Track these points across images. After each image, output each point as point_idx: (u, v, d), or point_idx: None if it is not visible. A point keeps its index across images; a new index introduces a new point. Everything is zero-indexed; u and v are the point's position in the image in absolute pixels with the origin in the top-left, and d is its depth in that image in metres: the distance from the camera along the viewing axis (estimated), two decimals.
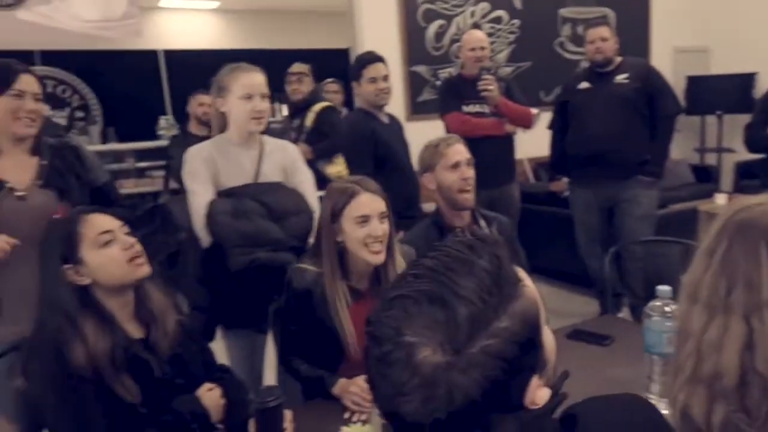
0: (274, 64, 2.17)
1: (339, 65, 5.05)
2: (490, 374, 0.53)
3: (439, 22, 4.80)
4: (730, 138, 6.64)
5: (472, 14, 4.92)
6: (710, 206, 5.03)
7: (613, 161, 3.24)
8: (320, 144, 3.37)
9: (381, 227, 1.66)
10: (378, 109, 2.90)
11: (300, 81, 3.57)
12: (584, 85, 3.37)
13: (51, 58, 5.12)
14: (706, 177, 6.40)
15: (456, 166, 2.01)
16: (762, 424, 0.75)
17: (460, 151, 2.04)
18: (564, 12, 5.96)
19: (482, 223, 2.09)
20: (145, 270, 1.45)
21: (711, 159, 6.72)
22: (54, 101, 5.28)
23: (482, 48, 3.37)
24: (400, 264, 1.75)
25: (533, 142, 4.03)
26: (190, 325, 1.64)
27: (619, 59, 3.31)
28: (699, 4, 6.81)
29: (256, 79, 2.08)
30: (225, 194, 2.06)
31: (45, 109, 1.90)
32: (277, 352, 1.90)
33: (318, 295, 1.69)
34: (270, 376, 2.30)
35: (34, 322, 1.41)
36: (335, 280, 1.67)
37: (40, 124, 1.87)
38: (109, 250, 1.40)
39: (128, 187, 5.29)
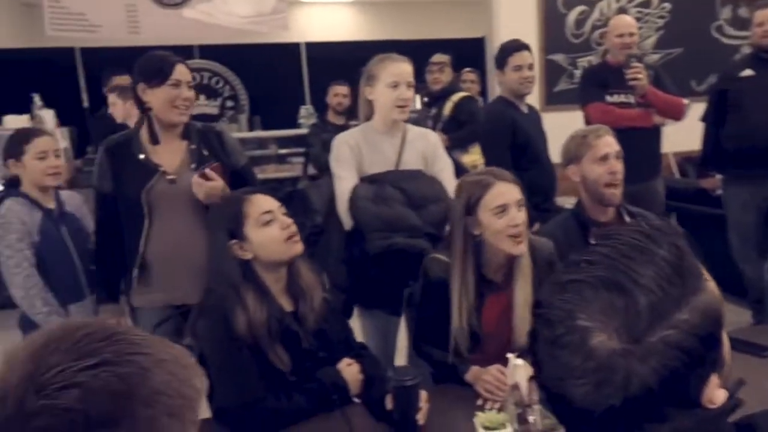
0: (409, 54, 2.21)
1: (473, 55, 5.02)
2: (669, 364, 0.52)
3: (581, 8, 4.59)
4: None
5: None
6: None
7: None
8: (457, 133, 3.38)
9: (519, 215, 1.64)
10: (519, 98, 2.85)
11: (441, 70, 3.61)
12: (747, 72, 3.06)
13: (207, 51, 5.58)
14: None
15: (605, 158, 1.93)
16: None
17: (609, 143, 1.96)
18: None
19: (627, 219, 2.00)
20: (300, 248, 1.57)
21: None
22: (208, 92, 5.76)
23: (631, 34, 3.18)
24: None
25: (679, 135, 3.74)
26: (333, 303, 1.74)
27: None
28: None
29: (403, 68, 2.14)
30: (368, 180, 2.15)
31: (194, 97, 2.05)
32: (409, 337, 1.95)
33: (452, 285, 1.71)
34: (400, 358, 2.37)
35: (203, 290, 1.58)
36: (465, 274, 1.68)
37: (191, 111, 2.04)
38: (269, 229, 1.52)
39: (269, 172, 5.64)
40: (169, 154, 2.02)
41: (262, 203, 1.55)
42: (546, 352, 0.58)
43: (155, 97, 1.95)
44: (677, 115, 3.18)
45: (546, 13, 4.50)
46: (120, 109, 3.90)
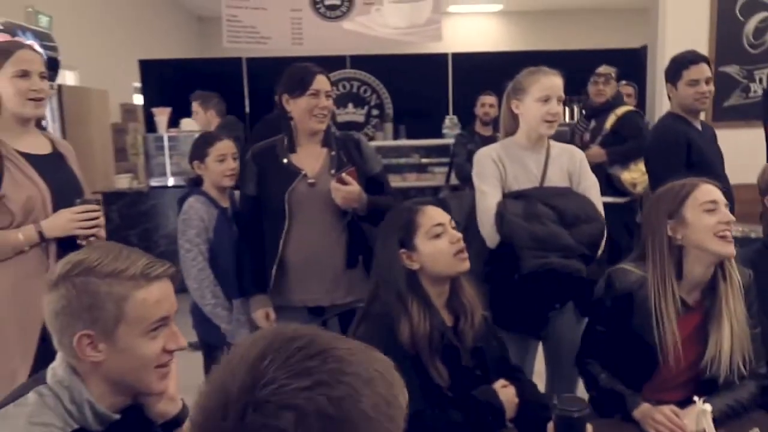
0: (559, 66, 2.11)
1: (628, 66, 4.73)
2: None
3: (762, 14, 4.16)
4: None
5: None
6: None
7: None
8: (617, 147, 3.20)
9: (730, 215, 1.52)
10: (693, 114, 2.63)
11: (607, 82, 3.45)
12: None
13: (357, 61, 5.77)
14: None
15: None
16: None
17: None
18: None
19: None
20: (467, 265, 1.54)
21: None
22: (356, 100, 5.96)
23: None
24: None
25: None
26: (491, 322, 1.69)
27: None
28: None
29: (555, 81, 2.06)
30: (513, 196, 2.07)
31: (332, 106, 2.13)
32: (577, 351, 1.84)
33: (639, 300, 1.60)
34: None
35: (369, 294, 1.61)
36: (667, 284, 1.56)
37: (329, 119, 2.12)
38: (439, 242, 1.51)
39: (411, 180, 5.71)
40: (310, 159, 2.11)
41: (434, 215, 1.55)
42: None
43: (296, 106, 2.06)
44: None
45: (720, 20, 4.12)
46: (201, 117, 4.17)
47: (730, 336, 1.52)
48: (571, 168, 2.14)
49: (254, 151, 2.20)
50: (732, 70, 4.20)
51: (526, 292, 2.06)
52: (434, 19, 3.79)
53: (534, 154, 2.13)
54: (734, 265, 1.57)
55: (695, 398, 1.33)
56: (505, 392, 1.55)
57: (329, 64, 2.12)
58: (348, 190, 2.02)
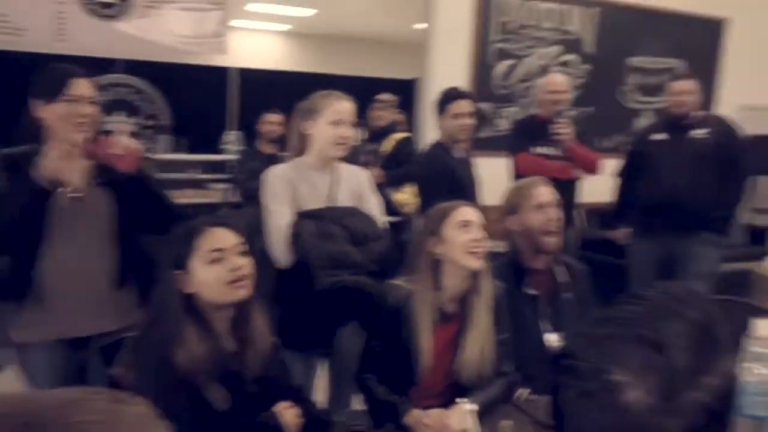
0: (341, 89, 2.24)
1: (401, 95, 5.14)
2: (696, 423, 0.55)
3: (509, 61, 4.85)
4: None
5: (543, 56, 4.97)
6: (762, 269, 4.88)
7: (682, 214, 3.22)
8: (394, 171, 3.44)
9: (482, 234, 1.72)
10: (455, 143, 2.95)
11: (386, 108, 3.70)
12: (660, 136, 3.37)
13: (133, 66, 5.34)
14: (760, 239, 6.22)
15: (542, 206, 2.03)
16: None
17: (545, 192, 2.06)
18: (632, 61, 5.94)
19: (560, 269, 2.09)
20: (243, 294, 1.48)
21: (765, 220, 6.53)
22: (128, 109, 5.50)
23: (561, 92, 3.40)
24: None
25: (586, 188, 4.02)
26: (278, 347, 1.68)
27: (699, 113, 3.31)
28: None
29: (347, 106, 2.16)
30: (306, 216, 2.11)
31: (98, 113, 1.89)
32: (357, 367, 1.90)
33: (407, 313, 1.72)
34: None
35: (145, 318, 1.48)
36: (427, 293, 1.71)
37: (94, 128, 1.86)
38: (215, 268, 1.44)
39: (188, 197, 5.42)
40: (71, 172, 1.85)
41: (216, 239, 1.46)
42: (576, 405, 0.60)
43: (51, 112, 1.80)
44: (593, 169, 3.41)
45: (478, 61, 4.71)
46: None
47: (479, 342, 1.72)
48: (358, 188, 2.24)
49: (4, 161, 1.87)
50: (485, 106, 4.81)
51: (317, 311, 2.09)
52: (220, 31, 3.69)
53: (323, 174, 2.19)
54: (486, 277, 1.78)
55: (457, 400, 1.47)
56: (288, 413, 1.55)
57: (97, 66, 1.89)
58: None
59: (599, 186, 3.66)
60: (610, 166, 3.65)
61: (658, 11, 5.89)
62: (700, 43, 6.23)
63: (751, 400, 1.26)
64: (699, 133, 3.25)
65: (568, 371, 0.62)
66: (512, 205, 2.09)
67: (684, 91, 3.25)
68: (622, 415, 0.56)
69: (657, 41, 5.92)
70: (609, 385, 0.57)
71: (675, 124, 3.32)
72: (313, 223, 2.09)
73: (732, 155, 3.21)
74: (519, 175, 3.11)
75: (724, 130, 3.26)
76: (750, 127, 6.43)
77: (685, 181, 3.19)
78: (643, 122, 5.38)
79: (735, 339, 0.61)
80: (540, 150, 3.38)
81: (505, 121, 4.79)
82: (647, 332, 0.59)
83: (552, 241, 2.01)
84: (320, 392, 2.35)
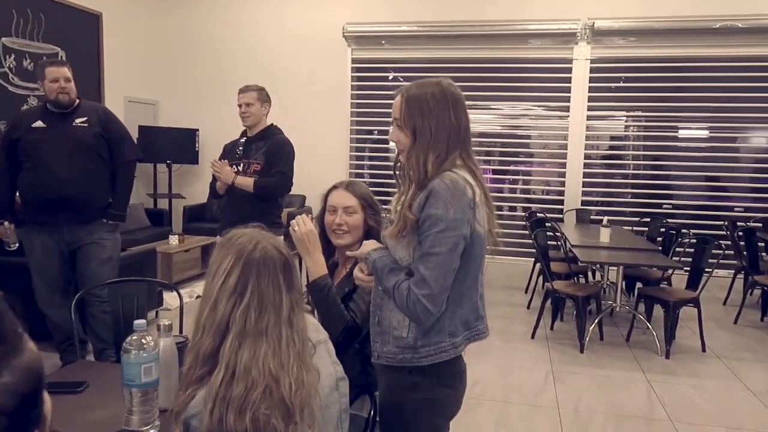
0: None
1: None
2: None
3: None
4: (178, 185, 7.39)
5: None
6: (166, 247, 5.48)
7: (76, 205, 3.15)
8: None
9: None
10: None
11: None
12: (39, 124, 3.17)
13: None
14: (159, 220, 6.91)
15: None
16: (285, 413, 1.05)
17: None
18: (8, 42, 5.44)
19: None
20: None
21: (163, 204, 7.30)
22: None
23: None
24: None
25: None
26: None
27: (77, 101, 3.26)
28: (149, 60, 7.38)
29: None
30: None
31: None
32: None
33: None
34: None
35: None
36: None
37: None
38: None
39: None
40: None
41: None
42: None
43: None
44: None
45: None
46: None
47: None
48: None
49: None
50: None
51: None
52: None
53: None
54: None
55: None
56: None
57: None
58: None
59: None
60: None
61: None
62: (80, 35, 6.26)
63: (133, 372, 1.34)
64: (79, 121, 3.21)
65: None
66: None
67: (62, 77, 3.13)
68: None
69: (35, 25, 5.62)
70: None
71: (54, 112, 3.19)
72: None
73: (111, 141, 3.29)
74: None
75: (102, 118, 3.30)
76: (136, 118, 7.00)
77: (73, 172, 3.10)
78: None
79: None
80: None
81: None
82: None
83: None
84: None
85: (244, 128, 3.49)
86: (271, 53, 7.22)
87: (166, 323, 1.46)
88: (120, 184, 3.36)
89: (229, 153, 3.47)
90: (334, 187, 1.93)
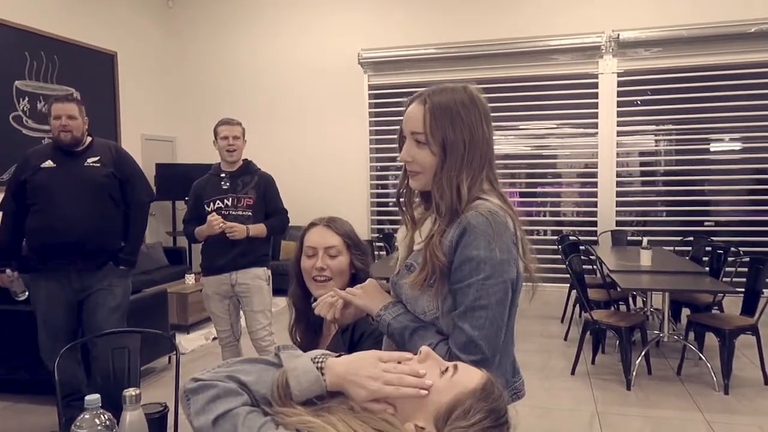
0: None
1: None
2: None
3: None
4: None
5: None
6: (181, 287, 5.28)
7: (86, 249, 2.95)
8: None
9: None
10: None
11: None
12: (49, 164, 2.99)
13: None
14: (179, 259, 6.74)
15: None
16: None
17: None
18: (21, 84, 5.41)
19: None
20: None
21: (183, 242, 7.15)
22: None
23: None
24: None
25: None
26: None
27: (89, 140, 3.09)
28: (165, 97, 7.33)
29: None
30: None
31: None
32: None
33: None
34: None
35: None
36: None
37: None
38: None
39: None
40: None
41: None
42: None
43: None
44: None
45: None
46: None
47: None
48: None
49: None
50: None
51: None
52: None
53: None
54: None
55: None
56: None
57: None
58: None
59: None
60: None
61: (49, 37, 5.54)
62: (95, 74, 6.22)
63: None
64: (91, 161, 3.03)
65: None
66: None
67: (65, 114, 2.95)
68: None
69: (48, 67, 5.59)
70: None
71: (62, 151, 3.00)
72: None
73: (124, 181, 3.11)
74: None
75: (114, 157, 3.12)
76: (153, 155, 6.92)
77: (83, 214, 2.89)
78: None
79: None
80: None
81: None
82: None
83: None
84: None
85: (218, 163, 3.31)
86: (288, 84, 7.11)
87: (134, 393, 1.21)
88: (133, 227, 3.16)
89: (209, 189, 3.25)
90: (312, 225, 1.61)
